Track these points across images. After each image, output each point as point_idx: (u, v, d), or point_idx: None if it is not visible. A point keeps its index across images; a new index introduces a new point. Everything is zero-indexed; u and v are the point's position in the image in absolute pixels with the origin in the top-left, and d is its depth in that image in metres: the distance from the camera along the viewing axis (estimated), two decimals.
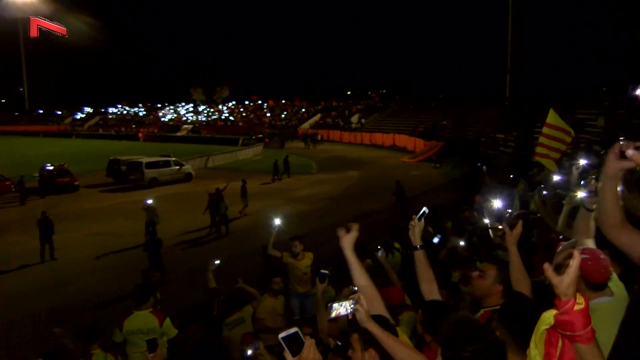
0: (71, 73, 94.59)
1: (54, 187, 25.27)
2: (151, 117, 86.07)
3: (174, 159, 29.98)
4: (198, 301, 7.64)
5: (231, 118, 76.99)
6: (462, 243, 7.70)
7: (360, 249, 9.14)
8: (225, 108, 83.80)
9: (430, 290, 3.22)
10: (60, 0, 65.17)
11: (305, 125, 64.55)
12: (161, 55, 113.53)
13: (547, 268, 1.73)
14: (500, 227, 5.97)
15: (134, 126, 77.46)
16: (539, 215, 6.21)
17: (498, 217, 7.52)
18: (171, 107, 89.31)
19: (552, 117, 9.97)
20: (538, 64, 59.11)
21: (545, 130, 9.93)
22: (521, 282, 3.08)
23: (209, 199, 17.77)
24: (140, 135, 64.19)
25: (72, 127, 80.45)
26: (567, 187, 6.69)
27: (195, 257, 13.62)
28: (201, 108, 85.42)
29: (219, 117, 78.53)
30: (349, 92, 77.96)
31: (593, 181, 3.47)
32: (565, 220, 4.39)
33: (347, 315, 2.41)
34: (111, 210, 21.70)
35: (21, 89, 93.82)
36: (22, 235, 16.94)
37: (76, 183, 26.59)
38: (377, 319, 2.45)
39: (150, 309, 5.70)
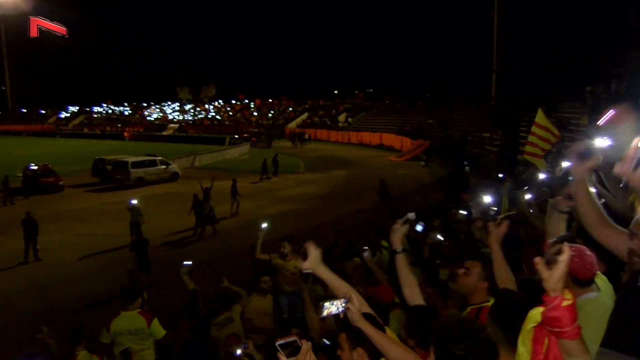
0: (55, 71, 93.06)
1: (38, 187, 24.89)
2: (137, 116, 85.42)
3: (160, 158, 29.75)
4: (186, 302, 7.59)
5: (218, 117, 76.69)
6: (439, 237, 7.62)
7: (349, 248, 9.17)
8: (211, 107, 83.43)
9: (413, 294, 3.22)
10: None
11: (292, 124, 64.54)
12: (147, 53, 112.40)
13: (538, 262, 1.75)
14: (482, 221, 6.03)
15: (119, 125, 76.83)
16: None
17: (483, 212, 7.57)
18: (157, 106, 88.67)
19: (540, 117, 10.13)
20: (523, 64, 59.67)
21: (534, 129, 10.09)
22: (505, 280, 3.11)
23: (193, 200, 17.68)
24: (125, 134, 63.69)
25: (57, 127, 79.46)
26: (552, 186, 6.79)
27: (181, 258, 13.50)
28: (187, 107, 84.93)
29: (206, 116, 78.18)
30: (336, 91, 78.07)
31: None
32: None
33: (338, 314, 2.41)
34: (97, 210, 21.47)
35: (3, 88, 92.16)
36: (3, 236, 16.69)
37: (61, 183, 26.23)
38: (367, 317, 2.46)
39: (138, 310, 5.66)
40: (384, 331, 2.55)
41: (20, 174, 25.26)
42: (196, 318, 6.04)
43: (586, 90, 27.26)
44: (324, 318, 2.50)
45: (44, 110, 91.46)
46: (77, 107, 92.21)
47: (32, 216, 14.71)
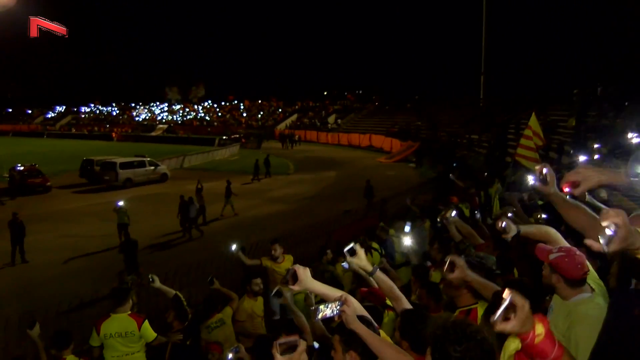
0: (42, 71, 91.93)
1: (25, 188, 24.62)
2: (125, 116, 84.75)
3: (148, 159, 29.52)
4: (171, 306, 7.52)
5: (207, 118, 76.33)
6: (408, 243, 7.45)
7: (339, 250, 9.16)
8: (200, 108, 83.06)
9: (399, 306, 3.19)
10: None
11: (282, 125, 64.43)
12: (135, 53, 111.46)
13: (496, 323, 1.66)
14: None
15: (107, 126, 76.22)
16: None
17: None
18: (145, 106, 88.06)
19: (533, 121, 10.24)
20: (512, 66, 60.26)
21: (526, 132, 10.19)
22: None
23: (180, 202, 17.52)
24: (113, 135, 63.21)
25: (44, 127, 78.71)
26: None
27: (169, 260, 13.47)
28: (176, 107, 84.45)
29: (195, 117, 77.79)
30: (325, 93, 78.14)
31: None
32: None
33: (333, 317, 2.40)
34: (84, 211, 21.25)
35: None
36: None
37: (48, 184, 25.91)
38: (362, 320, 2.45)
39: (129, 312, 5.61)
40: (378, 334, 2.55)
41: (7, 175, 24.93)
42: (186, 321, 5.97)
43: (574, 93, 27.61)
44: (319, 320, 2.50)
45: (30, 110, 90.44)
46: (64, 107, 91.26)
47: (18, 217, 14.54)
